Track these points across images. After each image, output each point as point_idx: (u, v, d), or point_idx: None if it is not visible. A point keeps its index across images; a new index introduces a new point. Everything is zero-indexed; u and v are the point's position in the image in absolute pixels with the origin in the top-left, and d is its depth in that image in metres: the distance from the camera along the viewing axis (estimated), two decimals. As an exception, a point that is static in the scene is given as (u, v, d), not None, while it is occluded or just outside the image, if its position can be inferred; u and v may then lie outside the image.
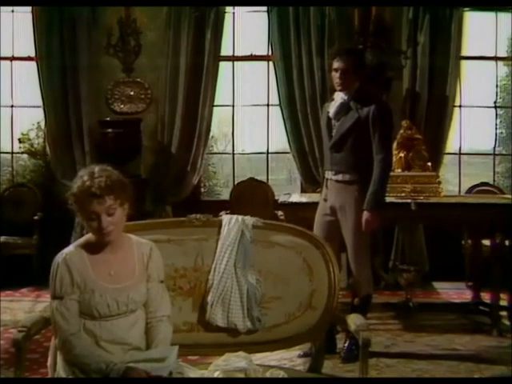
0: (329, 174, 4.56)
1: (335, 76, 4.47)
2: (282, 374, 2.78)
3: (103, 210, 2.53)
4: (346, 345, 4.52)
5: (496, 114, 7.86)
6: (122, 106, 7.20)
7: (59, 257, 2.60)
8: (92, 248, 2.62)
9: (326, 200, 4.58)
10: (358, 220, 4.41)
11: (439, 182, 5.48)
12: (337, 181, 4.51)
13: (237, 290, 2.99)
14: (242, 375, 2.66)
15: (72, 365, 2.52)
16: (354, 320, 2.91)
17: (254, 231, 3.08)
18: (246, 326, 2.98)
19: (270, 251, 3.07)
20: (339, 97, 4.51)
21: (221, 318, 2.96)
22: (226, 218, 3.11)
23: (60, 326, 2.53)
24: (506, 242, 5.40)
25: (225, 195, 8.26)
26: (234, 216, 3.11)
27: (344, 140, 4.46)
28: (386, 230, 6.56)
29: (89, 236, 2.66)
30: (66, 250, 2.62)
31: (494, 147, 7.86)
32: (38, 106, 7.28)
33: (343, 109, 4.47)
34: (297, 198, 5.46)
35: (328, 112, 4.56)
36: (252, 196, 7.11)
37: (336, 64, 4.47)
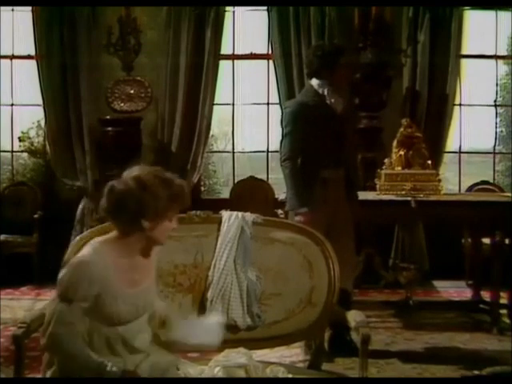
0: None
1: (349, 72, 4.45)
2: (282, 371, 2.77)
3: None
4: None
5: (496, 113, 7.89)
6: (122, 104, 7.20)
7: (81, 260, 2.42)
8: (117, 252, 2.47)
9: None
10: None
11: (439, 180, 5.48)
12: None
13: (237, 286, 2.99)
14: (242, 371, 2.65)
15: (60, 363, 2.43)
16: (353, 316, 2.90)
17: (254, 228, 3.07)
18: (245, 322, 2.98)
19: (270, 248, 3.07)
20: (340, 94, 4.50)
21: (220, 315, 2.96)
22: (225, 214, 3.11)
23: (56, 324, 2.37)
24: (506, 241, 5.40)
25: (225, 194, 8.26)
26: (234, 213, 3.11)
27: (351, 138, 4.49)
28: (386, 228, 6.59)
29: (112, 239, 2.50)
30: (89, 257, 2.42)
31: (494, 146, 7.88)
32: (38, 105, 7.29)
33: (349, 107, 4.49)
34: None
35: (334, 110, 4.47)
36: (252, 195, 7.11)
37: (346, 60, 4.46)
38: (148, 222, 2.44)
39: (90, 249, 2.47)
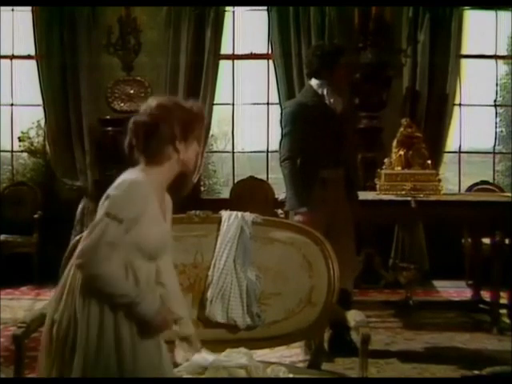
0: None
1: (349, 72, 4.46)
2: (283, 370, 2.78)
3: None
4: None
5: (496, 113, 7.89)
6: (121, 104, 7.19)
7: (134, 180, 2.34)
8: (156, 183, 2.42)
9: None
10: None
11: (439, 180, 5.48)
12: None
13: (236, 286, 2.99)
14: (243, 371, 2.66)
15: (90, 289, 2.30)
16: (353, 316, 2.90)
17: (254, 227, 3.08)
18: (245, 322, 2.98)
19: (270, 247, 3.08)
20: (340, 94, 4.50)
21: (220, 314, 2.97)
22: (225, 214, 3.12)
23: (100, 241, 2.25)
24: (506, 241, 5.40)
25: (225, 194, 8.26)
26: (234, 212, 3.12)
27: (350, 137, 4.50)
28: (386, 228, 6.59)
29: (144, 169, 2.42)
30: (139, 179, 2.36)
31: (494, 146, 7.88)
32: (38, 105, 7.29)
33: (349, 106, 4.49)
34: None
35: (333, 110, 4.46)
36: (252, 195, 7.11)
37: (346, 60, 4.47)
38: (181, 144, 2.44)
39: (133, 174, 2.40)
